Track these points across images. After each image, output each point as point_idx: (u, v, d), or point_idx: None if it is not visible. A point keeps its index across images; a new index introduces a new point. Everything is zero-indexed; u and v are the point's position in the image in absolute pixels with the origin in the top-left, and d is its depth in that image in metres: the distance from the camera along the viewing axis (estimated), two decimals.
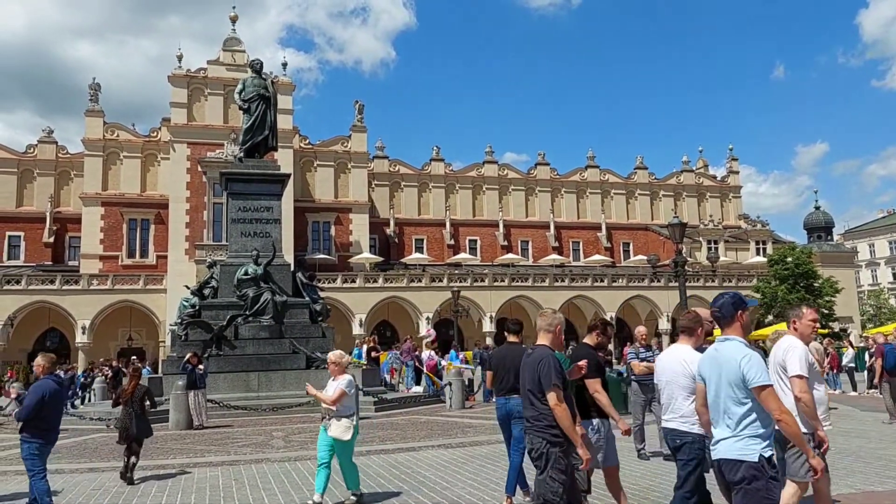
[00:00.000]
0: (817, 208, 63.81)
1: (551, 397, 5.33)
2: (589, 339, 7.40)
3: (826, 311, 45.52)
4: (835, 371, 25.19)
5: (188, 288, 24.94)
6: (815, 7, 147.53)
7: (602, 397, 6.82)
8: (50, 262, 49.06)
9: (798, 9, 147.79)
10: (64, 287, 43.68)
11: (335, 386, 8.12)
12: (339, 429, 8.00)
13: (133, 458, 10.28)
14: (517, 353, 8.33)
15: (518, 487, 8.00)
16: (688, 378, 5.59)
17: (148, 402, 10.96)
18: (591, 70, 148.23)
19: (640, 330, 11.48)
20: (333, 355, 8.34)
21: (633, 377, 11.26)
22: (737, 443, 4.32)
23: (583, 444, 5.47)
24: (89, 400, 27.15)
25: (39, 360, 7.89)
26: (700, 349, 5.80)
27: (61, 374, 30.14)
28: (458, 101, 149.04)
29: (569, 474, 5.46)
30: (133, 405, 10.62)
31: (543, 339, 5.74)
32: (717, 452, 4.45)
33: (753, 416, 4.32)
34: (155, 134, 51.19)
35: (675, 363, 5.83)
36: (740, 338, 4.56)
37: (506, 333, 8.67)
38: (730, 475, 4.35)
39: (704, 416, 4.84)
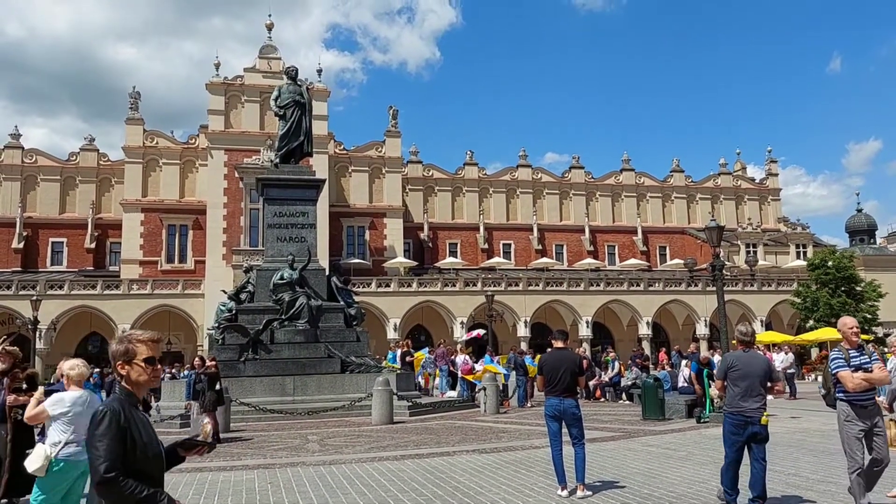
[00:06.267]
0: (859, 211, 62.51)
1: None
2: None
3: (869, 316, 44.52)
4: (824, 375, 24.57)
5: (225, 292, 25.26)
6: None
7: None
8: (91, 268, 50.05)
9: None
10: (105, 292, 44.52)
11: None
12: (31, 457, 5.93)
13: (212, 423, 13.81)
14: (570, 357, 8.87)
15: (567, 481, 8.66)
16: None
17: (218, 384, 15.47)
18: (633, 67, 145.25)
19: (847, 322, 7.58)
20: (64, 365, 6.43)
21: (840, 394, 7.33)
22: None
23: None
24: None
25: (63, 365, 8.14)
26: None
27: (95, 379, 30.59)
28: (498, 102, 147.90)
29: None
30: (211, 385, 15.03)
31: None
32: None
33: None
34: (193, 141, 52.00)
35: None
36: None
37: (553, 341, 9.20)
38: None
39: None
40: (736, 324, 9.13)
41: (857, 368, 7.12)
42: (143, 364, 3.47)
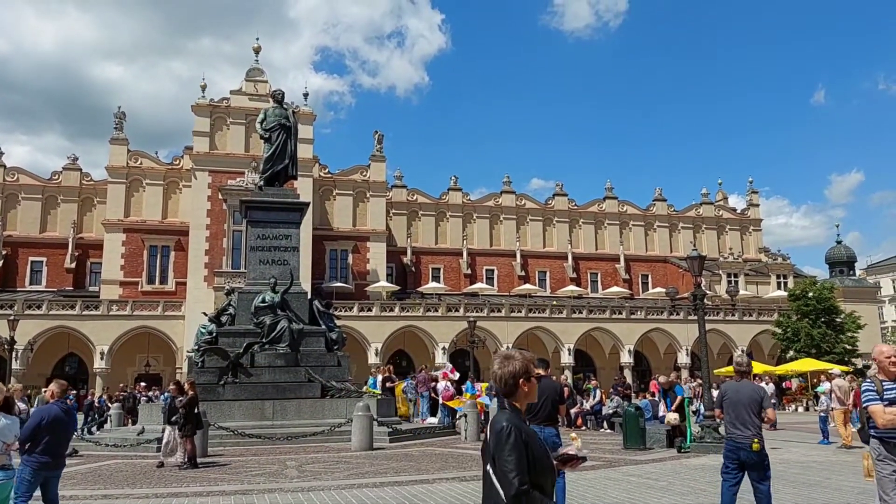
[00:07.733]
0: (839, 242, 63.26)
1: None
2: None
3: (849, 347, 44.86)
4: (858, 408, 24.69)
5: (206, 315, 25.01)
6: (863, 29, 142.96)
7: None
8: (71, 288, 49.52)
9: (846, 31, 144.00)
10: (84, 312, 43.99)
11: None
12: None
13: (189, 447, 14.47)
14: (552, 386, 8.86)
15: None
16: None
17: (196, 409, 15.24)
18: (619, 94, 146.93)
19: (884, 350, 6.53)
20: None
21: (872, 430, 6.41)
22: None
23: None
24: (105, 425, 27.14)
25: (52, 386, 8.08)
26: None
27: (71, 400, 30.16)
28: (485, 127, 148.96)
29: None
30: (189, 409, 14.92)
31: None
32: None
33: None
34: (177, 162, 51.87)
35: None
36: None
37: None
38: None
39: None
40: (716, 353, 9.20)
41: (891, 402, 6.08)
42: (534, 381, 3.63)
